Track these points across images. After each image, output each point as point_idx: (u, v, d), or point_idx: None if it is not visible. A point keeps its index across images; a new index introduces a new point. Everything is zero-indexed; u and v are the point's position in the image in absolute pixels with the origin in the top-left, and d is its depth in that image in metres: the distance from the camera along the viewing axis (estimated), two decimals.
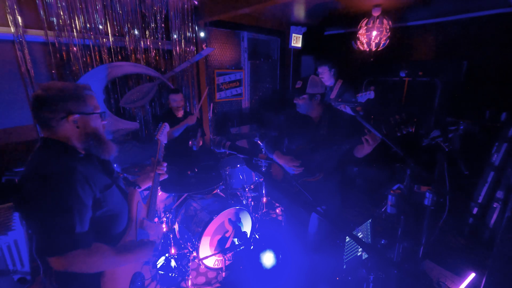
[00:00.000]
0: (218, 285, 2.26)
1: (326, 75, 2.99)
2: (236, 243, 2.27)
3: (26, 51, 2.36)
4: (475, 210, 2.73)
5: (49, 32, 2.45)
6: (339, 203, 2.00)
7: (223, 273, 2.34)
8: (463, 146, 2.85)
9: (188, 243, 2.30)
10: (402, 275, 1.53)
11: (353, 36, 3.43)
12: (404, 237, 1.65)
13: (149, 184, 1.47)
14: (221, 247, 2.33)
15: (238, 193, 2.86)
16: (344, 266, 1.85)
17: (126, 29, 2.88)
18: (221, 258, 2.36)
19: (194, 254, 2.21)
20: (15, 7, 2.25)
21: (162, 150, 1.58)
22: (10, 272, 1.92)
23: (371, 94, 2.82)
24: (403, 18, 3.82)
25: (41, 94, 0.96)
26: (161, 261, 2.29)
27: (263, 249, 2.23)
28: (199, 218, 2.28)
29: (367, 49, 3.34)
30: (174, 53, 3.32)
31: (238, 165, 2.78)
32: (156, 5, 3.06)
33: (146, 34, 3.07)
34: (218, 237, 2.32)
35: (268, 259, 2.18)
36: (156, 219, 2.22)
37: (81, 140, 1.04)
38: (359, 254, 1.92)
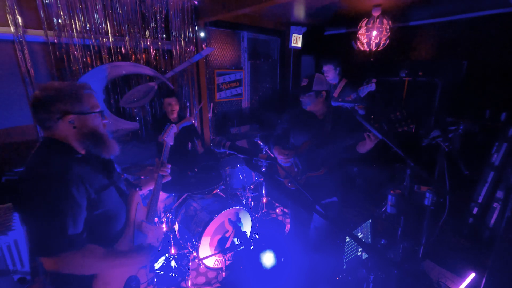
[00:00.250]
0: (218, 285, 2.26)
1: (331, 74, 2.98)
2: (236, 243, 2.27)
3: (26, 51, 2.36)
4: (475, 210, 2.73)
5: (49, 32, 2.45)
6: (341, 198, 2.03)
7: (223, 273, 2.34)
8: (463, 146, 2.84)
9: (188, 243, 2.30)
10: (402, 275, 1.53)
11: (353, 36, 3.42)
12: (404, 237, 1.65)
13: (151, 187, 1.45)
14: (221, 247, 2.33)
15: (238, 193, 2.86)
16: (344, 266, 1.85)
17: (126, 29, 2.88)
18: (221, 258, 2.36)
19: (194, 254, 2.21)
20: (15, 7, 2.25)
21: (167, 152, 1.56)
22: (10, 272, 1.91)
23: (372, 87, 2.74)
24: (403, 18, 3.81)
25: (38, 95, 0.97)
26: (161, 261, 2.29)
27: (263, 249, 2.23)
28: (199, 218, 2.28)
29: (367, 49, 3.34)
30: (174, 53, 3.32)
31: (238, 165, 2.78)
32: (156, 5, 3.06)
33: (146, 34, 3.07)
34: (218, 237, 2.32)
35: (268, 259, 2.18)
36: (156, 220, 2.22)
37: (79, 139, 1.03)
38: (359, 254, 1.92)
